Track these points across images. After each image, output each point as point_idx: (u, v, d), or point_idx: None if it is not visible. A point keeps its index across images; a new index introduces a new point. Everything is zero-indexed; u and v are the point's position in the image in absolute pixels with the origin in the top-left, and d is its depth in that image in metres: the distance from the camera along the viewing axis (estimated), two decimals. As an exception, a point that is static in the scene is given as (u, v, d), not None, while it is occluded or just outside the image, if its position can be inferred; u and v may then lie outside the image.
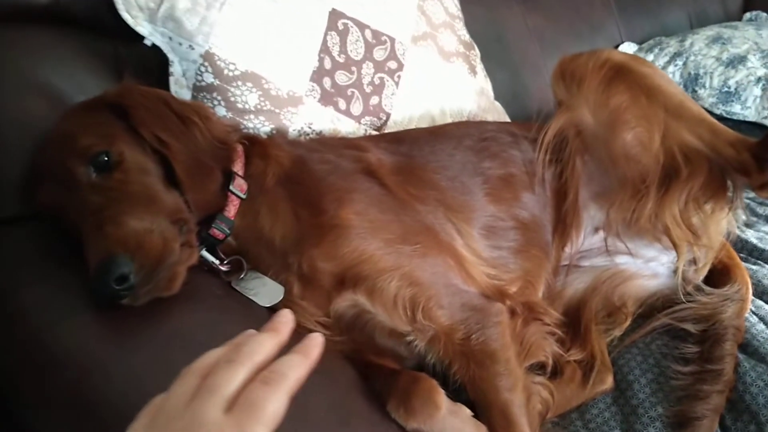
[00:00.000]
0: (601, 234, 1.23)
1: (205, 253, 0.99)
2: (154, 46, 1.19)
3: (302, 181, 1.04)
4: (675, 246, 1.16)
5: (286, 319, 0.58)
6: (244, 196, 1.02)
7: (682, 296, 1.17)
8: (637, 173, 1.15)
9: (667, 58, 2.13)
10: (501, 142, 1.25)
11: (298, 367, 0.53)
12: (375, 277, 0.96)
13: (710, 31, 2.19)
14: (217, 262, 1.00)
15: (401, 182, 1.10)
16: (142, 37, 1.18)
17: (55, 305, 0.84)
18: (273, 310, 0.97)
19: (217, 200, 1.00)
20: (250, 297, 0.98)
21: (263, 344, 0.53)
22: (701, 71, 2.02)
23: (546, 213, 1.22)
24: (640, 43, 2.29)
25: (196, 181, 0.97)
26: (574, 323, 1.19)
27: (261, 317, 0.91)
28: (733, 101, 1.95)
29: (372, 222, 1.00)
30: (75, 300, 0.84)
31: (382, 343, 1.02)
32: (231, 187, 1.01)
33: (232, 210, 1.01)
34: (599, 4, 2.21)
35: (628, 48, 2.24)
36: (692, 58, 2.07)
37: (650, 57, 2.16)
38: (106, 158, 0.91)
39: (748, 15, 2.55)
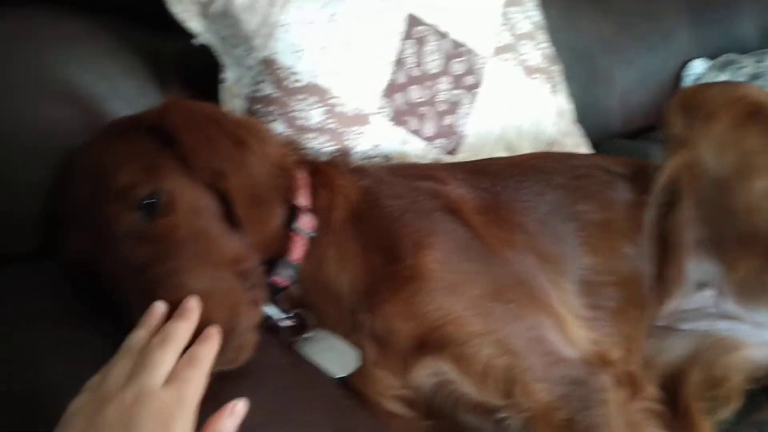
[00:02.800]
0: (709, 292, 1.06)
1: (266, 307, 0.83)
2: (203, 45, 1.02)
3: (373, 220, 0.89)
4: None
5: (193, 306, 0.67)
6: (311, 235, 0.87)
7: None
8: (764, 229, 0.98)
9: (743, 79, 1.95)
10: (597, 180, 1.08)
11: (210, 353, 0.64)
12: (462, 343, 0.82)
13: (789, 50, 2.01)
14: (278, 316, 0.85)
15: (487, 223, 0.95)
16: (189, 34, 1.01)
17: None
18: (344, 380, 0.83)
19: (278, 240, 0.85)
20: (318, 364, 0.83)
21: (183, 330, 0.64)
22: (785, 97, 1.84)
23: (645, 265, 1.05)
24: (710, 56, 2.11)
25: (256, 219, 0.83)
26: (672, 399, 1.02)
27: (333, 396, 0.76)
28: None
29: (457, 273, 0.86)
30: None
31: (466, 420, 0.87)
32: (296, 225, 0.86)
33: (296, 252, 0.86)
34: (672, 12, 2.02)
35: (701, 65, 2.06)
36: (773, 81, 1.89)
37: (723, 76, 1.99)
38: (152, 199, 0.75)
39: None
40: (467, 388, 0.83)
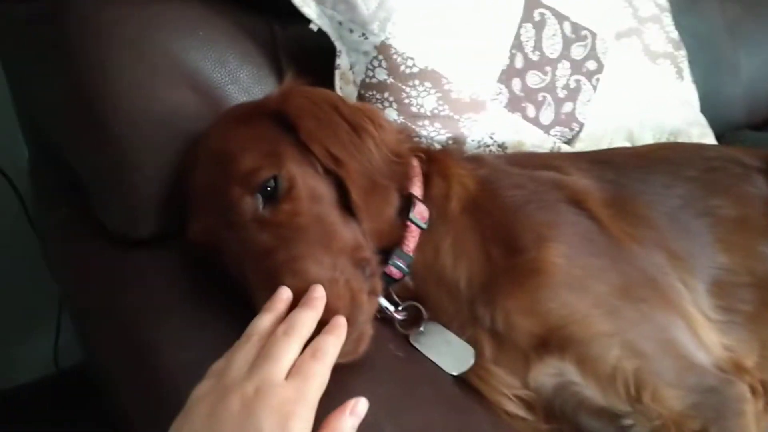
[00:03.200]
0: None
1: (380, 299, 0.81)
2: (318, 30, 1.00)
3: (492, 210, 0.86)
4: None
5: (320, 295, 0.65)
6: (425, 226, 0.84)
7: None
8: None
9: None
10: (731, 174, 1.00)
11: (335, 346, 0.62)
12: (588, 343, 0.78)
13: None
14: (392, 308, 0.82)
15: (613, 217, 0.89)
16: (302, 17, 0.99)
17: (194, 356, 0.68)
18: (459, 378, 0.80)
19: (393, 230, 0.83)
20: (433, 359, 0.80)
21: (310, 321, 0.62)
22: None
23: None
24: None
25: (372, 207, 0.81)
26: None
27: (450, 393, 0.74)
28: None
29: (583, 268, 0.82)
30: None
31: (588, 425, 0.82)
32: (411, 215, 0.83)
33: (411, 242, 0.83)
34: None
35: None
36: None
37: None
38: (273, 184, 0.74)
39: None
40: (591, 391, 0.79)
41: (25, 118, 1.13)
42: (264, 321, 0.63)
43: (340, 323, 0.65)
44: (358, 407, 0.60)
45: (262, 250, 0.71)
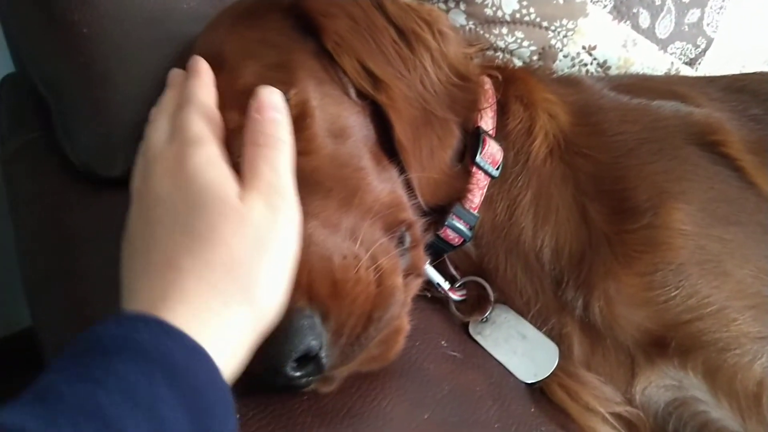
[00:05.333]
0: None
1: (430, 270, 0.64)
2: None
3: (592, 154, 0.68)
4: None
5: (203, 66, 0.57)
6: (496, 174, 0.67)
7: None
8: None
9: None
10: None
11: (194, 87, 0.55)
12: (725, 346, 0.62)
13: None
14: (446, 285, 0.65)
15: (762, 166, 0.70)
16: None
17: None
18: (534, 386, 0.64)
19: (451, 180, 0.65)
20: (500, 360, 0.62)
21: (195, 89, 0.54)
22: None
23: None
24: None
25: (424, 149, 0.63)
26: None
27: (521, 414, 0.57)
28: None
29: (722, 241, 0.64)
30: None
31: (713, 458, 0.66)
32: (478, 157, 0.65)
33: (476, 196, 0.67)
34: None
35: None
36: None
37: None
38: None
39: None
40: (722, 412, 0.63)
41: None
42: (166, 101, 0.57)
43: (198, 66, 0.57)
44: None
45: None
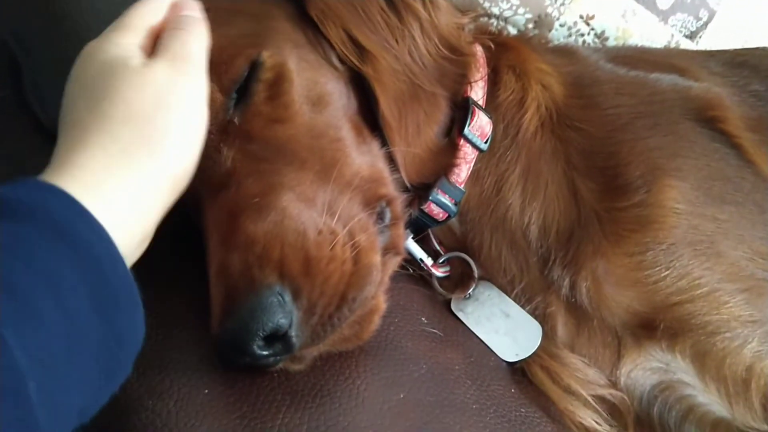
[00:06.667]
0: None
1: (413, 246, 0.64)
2: None
3: (585, 127, 0.66)
4: None
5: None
6: (485, 147, 0.65)
7: None
8: None
9: None
10: None
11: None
12: (715, 329, 0.61)
13: None
14: (429, 260, 0.64)
15: (762, 144, 0.68)
16: None
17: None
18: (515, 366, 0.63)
19: (437, 156, 0.64)
20: (482, 337, 0.61)
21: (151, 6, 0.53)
22: None
23: None
24: None
25: (409, 124, 0.61)
26: None
27: (500, 395, 0.55)
28: None
29: (716, 221, 0.63)
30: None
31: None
32: (466, 129, 0.63)
33: (462, 170, 0.64)
34: None
35: None
36: None
37: None
38: (251, 72, 0.53)
39: None
40: (710, 397, 0.62)
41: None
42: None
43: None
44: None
45: (221, 176, 0.50)
